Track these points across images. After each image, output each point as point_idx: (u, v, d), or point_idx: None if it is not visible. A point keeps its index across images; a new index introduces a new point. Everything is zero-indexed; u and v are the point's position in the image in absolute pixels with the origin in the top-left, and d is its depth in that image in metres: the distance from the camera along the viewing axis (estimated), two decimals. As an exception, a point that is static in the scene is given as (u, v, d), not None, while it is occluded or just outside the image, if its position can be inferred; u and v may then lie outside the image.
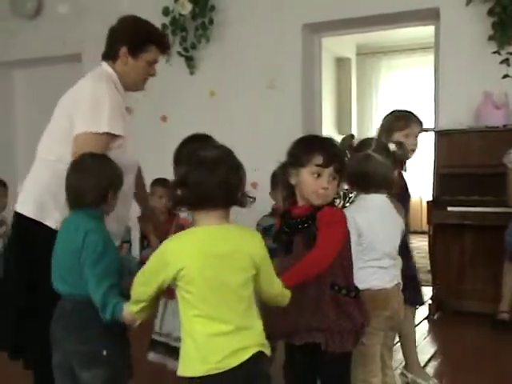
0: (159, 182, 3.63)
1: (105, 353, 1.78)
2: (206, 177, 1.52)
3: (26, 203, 2.18)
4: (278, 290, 1.65)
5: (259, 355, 1.54)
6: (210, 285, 1.51)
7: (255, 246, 1.57)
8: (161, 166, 4.96)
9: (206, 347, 1.50)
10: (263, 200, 4.69)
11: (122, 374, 1.84)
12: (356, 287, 1.87)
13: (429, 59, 6.33)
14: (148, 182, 3.64)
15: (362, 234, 1.98)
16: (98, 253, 1.76)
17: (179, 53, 5.03)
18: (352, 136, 2.11)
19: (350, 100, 7.42)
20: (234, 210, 1.63)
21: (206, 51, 5.04)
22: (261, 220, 2.84)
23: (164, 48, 2.32)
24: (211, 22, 4.91)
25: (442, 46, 4.36)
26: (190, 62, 5.06)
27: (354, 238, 1.94)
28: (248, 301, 1.55)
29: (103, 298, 1.71)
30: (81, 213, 1.85)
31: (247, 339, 1.53)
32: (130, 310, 1.65)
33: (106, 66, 2.28)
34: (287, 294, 1.69)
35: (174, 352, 2.10)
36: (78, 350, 1.80)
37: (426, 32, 5.52)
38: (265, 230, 2.74)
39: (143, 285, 1.58)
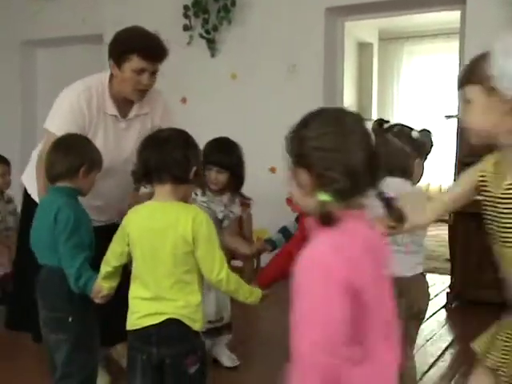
0: None
1: (70, 319, 1.91)
2: (152, 153, 1.69)
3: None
4: (217, 279, 1.69)
5: (174, 322, 1.68)
6: (143, 254, 1.70)
7: (187, 225, 1.65)
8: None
9: (131, 307, 1.75)
10: (284, 186, 4.68)
11: (88, 338, 1.95)
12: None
13: (452, 45, 6.24)
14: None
15: None
16: (70, 228, 1.86)
17: (201, 35, 5.01)
18: (379, 121, 2.09)
19: (371, 85, 7.35)
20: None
21: (228, 34, 5.00)
22: None
23: (145, 55, 2.27)
24: (233, 3, 4.87)
25: (468, 31, 4.28)
26: (211, 44, 5.04)
27: None
28: (179, 277, 1.67)
29: (78, 271, 1.84)
30: (55, 190, 1.97)
31: (165, 307, 1.68)
32: (98, 280, 1.82)
33: (106, 75, 2.39)
34: (245, 292, 1.76)
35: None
36: (48, 316, 1.96)
37: (449, 17, 5.43)
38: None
39: (112, 250, 1.79)
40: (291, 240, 2.13)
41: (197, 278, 1.71)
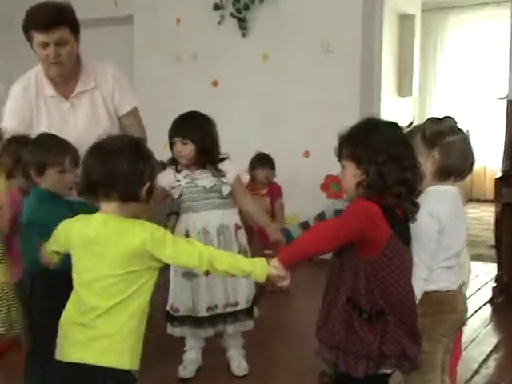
0: None
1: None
2: (95, 164, 1.49)
3: None
4: (199, 265, 1.52)
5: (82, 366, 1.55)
6: (82, 267, 1.56)
7: (135, 237, 1.49)
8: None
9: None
10: (318, 171, 4.51)
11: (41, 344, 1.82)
12: (381, 311, 1.58)
13: (503, 13, 5.84)
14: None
15: (444, 231, 1.75)
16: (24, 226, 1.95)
17: (232, 14, 4.83)
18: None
19: (412, 60, 7.00)
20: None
21: (259, 12, 4.81)
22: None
23: (38, 27, 2.18)
24: (265, -20, 4.66)
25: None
26: (242, 23, 4.85)
27: (432, 236, 1.73)
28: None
29: (24, 248, 1.85)
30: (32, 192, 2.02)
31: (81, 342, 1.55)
32: (46, 249, 1.69)
33: None
34: (244, 266, 1.56)
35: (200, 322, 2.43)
36: None
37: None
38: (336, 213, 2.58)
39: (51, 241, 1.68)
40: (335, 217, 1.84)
41: (135, 301, 1.51)
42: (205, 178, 2.44)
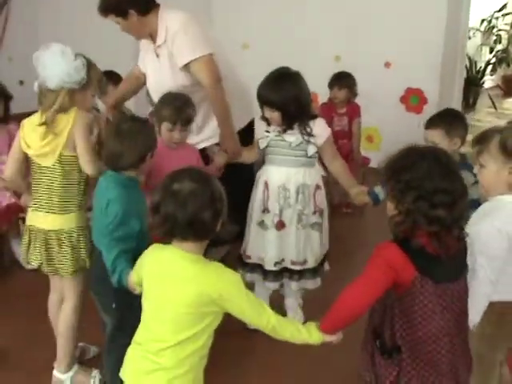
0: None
1: (114, 305, 1.95)
2: (175, 210, 1.48)
3: None
4: (269, 326, 1.57)
5: None
6: (153, 300, 1.59)
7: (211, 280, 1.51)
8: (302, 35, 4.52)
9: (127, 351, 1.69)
10: (398, 83, 4.36)
11: (132, 322, 1.72)
12: (397, 348, 1.54)
13: None
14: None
15: None
16: (116, 223, 1.83)
17: None
18: None
19: None
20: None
21: None
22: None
23: None
24: None
25: None
26: None
27: (500, 253, 1.67)
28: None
29: (113, 264, 1.79)
30: (111, 176, 1.93)
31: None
32: (131, 276, 1.71)
33: None
34: (303, 335, 1.58)
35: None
36: (97, 298, 2.04)
37: None
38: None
39: (134, 271, 1.71)
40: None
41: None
42: (292, 135, 2.44)
